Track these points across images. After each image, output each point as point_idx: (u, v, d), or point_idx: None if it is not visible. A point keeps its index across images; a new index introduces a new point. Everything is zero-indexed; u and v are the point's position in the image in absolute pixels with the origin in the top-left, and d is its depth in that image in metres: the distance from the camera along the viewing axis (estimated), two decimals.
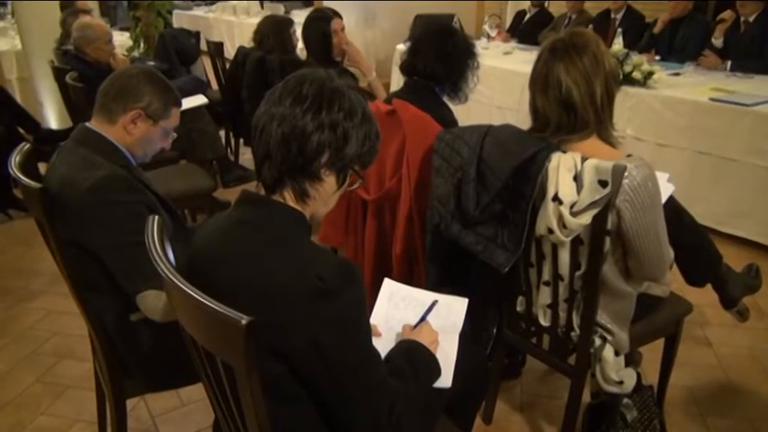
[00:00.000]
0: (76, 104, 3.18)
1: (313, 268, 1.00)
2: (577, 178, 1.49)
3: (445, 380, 1.31)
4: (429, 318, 1.45)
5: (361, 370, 1.05)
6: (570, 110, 1.51)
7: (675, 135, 3.45)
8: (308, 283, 0.98)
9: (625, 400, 1.73)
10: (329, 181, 1.12)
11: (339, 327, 1.00)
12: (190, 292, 0.97)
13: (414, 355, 1.27)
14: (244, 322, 0.87)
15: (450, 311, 1.47)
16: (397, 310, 1.47)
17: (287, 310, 0.99)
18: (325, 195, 1.14)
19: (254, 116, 1.11)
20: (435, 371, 1.29)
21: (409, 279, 2.12)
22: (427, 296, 1.52)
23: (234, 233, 1.10)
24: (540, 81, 1.55)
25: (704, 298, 2.34)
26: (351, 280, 1.01)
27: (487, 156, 1.63)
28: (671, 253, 1.67)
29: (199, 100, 3.58)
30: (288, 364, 1.02)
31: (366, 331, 1.08)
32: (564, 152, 1.53)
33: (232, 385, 0.99)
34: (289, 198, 1.11)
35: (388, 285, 1.54)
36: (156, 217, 1.18)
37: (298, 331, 0.99)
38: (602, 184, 1.44)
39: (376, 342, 1.14)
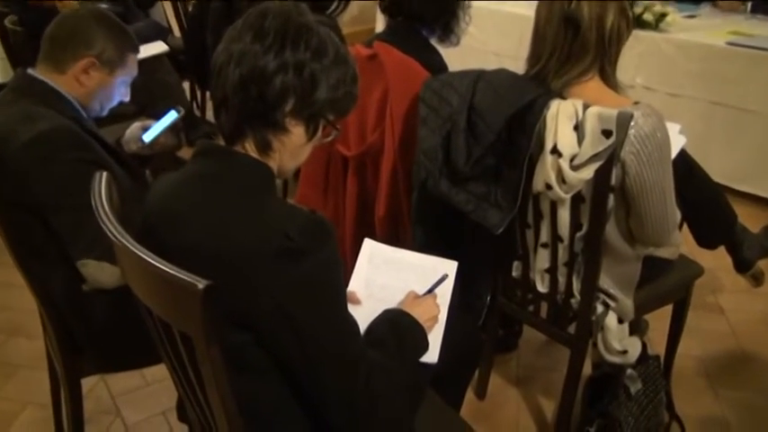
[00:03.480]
0: (17, 52, 3.10)
1: (280, 225, 0.98)
2: (578, 128, 1.47)
3: (431, 354, 1.30)
4: (415, 285, 1.42)
5: (334, 340, 1.03)
6: (572, 26, 1.48)
7: (688, 84, 3.43)
8: (274, 242, 0.96)
9: (629, 372, 1.74)
10: (296, 132, 1.09)
11: (309, 291, 0.99)
12: (141, 255, 0.95)
13: (399, 326, 1.25)
14: (200, 286, 0.86)
15: (438, 276, 1.46)
16: (379, 273, 1.45)
17: (250, 273, 0.97)
18: (292, 148, 1.11)
19: (214, 55, 1.07)
20: (422, 346, 1.28)
21: (395, 242, 2.09)
22: (413, 257, 1.51)
23: (191, 188, 1.08)
24: None
25: (716, 261, 2.36)
26: (322, 239, 1.00)
27: (479, 103, 1.60)
28: (677, 215, 1.67)
29: (159, 47, 3.50)
30: (252, 334, 1.01)
31: (340, 297, 1.07)
32: (564, 99, 1.51)
33: (191, 358, 0.98)
34: (250, 150, 1.08)
35: (369, 246, 1.52)
36: (105, 173, 1.15)
37: (262, 296, 0.97)
38: (606, 133, 1.43)
39: (355, 310, 1.13)
